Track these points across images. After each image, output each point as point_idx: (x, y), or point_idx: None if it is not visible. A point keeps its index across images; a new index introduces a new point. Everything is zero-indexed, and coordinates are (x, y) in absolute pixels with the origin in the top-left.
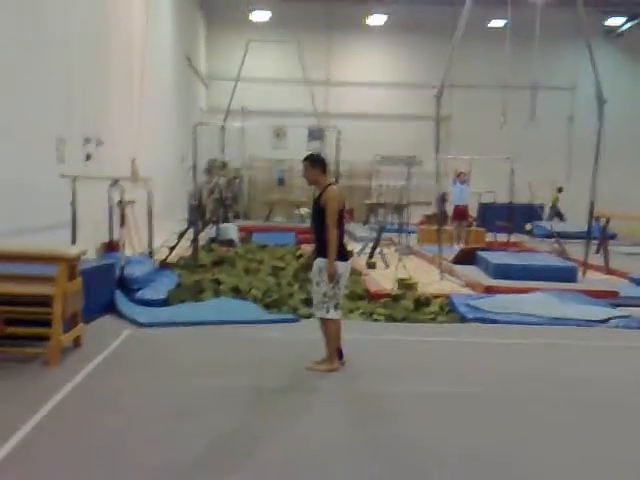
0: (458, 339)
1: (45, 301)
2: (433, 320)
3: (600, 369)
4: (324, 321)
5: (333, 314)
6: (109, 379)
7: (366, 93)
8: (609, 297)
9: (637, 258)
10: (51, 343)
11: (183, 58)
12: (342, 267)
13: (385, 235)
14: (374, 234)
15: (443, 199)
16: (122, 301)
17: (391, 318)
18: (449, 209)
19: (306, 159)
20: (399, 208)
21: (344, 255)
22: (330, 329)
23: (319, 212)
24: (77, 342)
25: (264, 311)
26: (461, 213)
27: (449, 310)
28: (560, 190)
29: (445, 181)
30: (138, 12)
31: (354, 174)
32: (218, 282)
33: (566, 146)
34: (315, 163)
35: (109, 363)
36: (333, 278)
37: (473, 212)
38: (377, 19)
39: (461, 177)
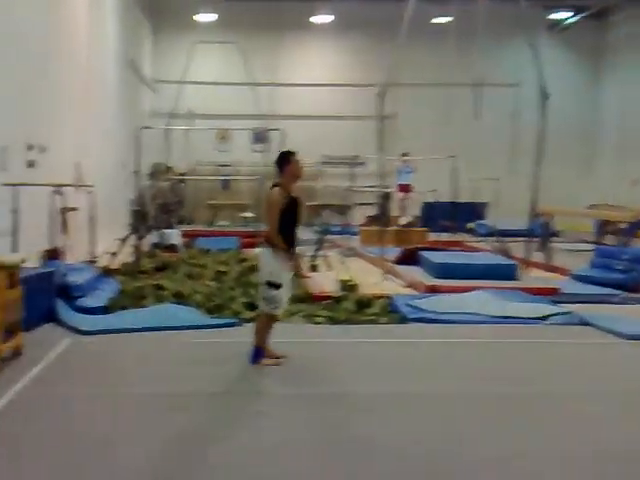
0: (398, 339)
1: None
2: (374, 321)
3: (540, 365)
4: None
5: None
6: (50, 387)
7: (312, 93)
8: (550, 294)
9: (579, 255)
10: None
11: (128, 62)
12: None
13: (329, 237)
14: (317, 236)
15: (386, 198)
16: (63, 309)
17: (333, 320)
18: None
19: None
20: (342, 209)
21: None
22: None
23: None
24: (17, 351)
25: (207, 316)
26: (405, 188)
27: (390, 311)
28: None
29: (389, 180)
30: (82, 16)
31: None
32: (160, 288)
33: (510, 143)
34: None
35: (50, 372)
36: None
37: (416, 210)
38: (323, 18)
39: (406, 161)
